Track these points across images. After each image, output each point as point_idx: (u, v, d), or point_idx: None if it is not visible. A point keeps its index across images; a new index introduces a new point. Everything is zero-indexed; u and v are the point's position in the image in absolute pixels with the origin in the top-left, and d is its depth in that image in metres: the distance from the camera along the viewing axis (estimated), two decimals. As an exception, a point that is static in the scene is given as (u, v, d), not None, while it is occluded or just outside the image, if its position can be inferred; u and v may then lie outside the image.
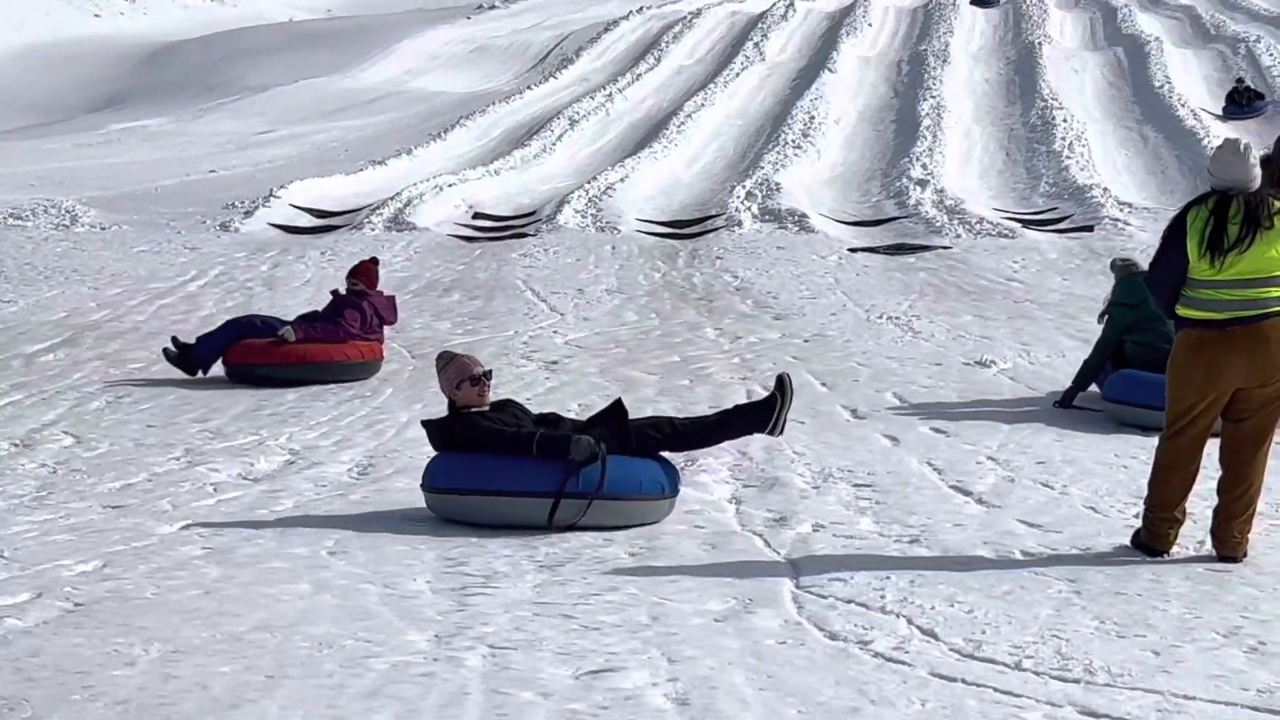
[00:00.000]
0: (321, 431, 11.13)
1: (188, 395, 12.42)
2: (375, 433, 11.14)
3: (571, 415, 9.91)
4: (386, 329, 13.87)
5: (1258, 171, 7.85)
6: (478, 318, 17.33)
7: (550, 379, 13.46)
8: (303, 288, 19.87)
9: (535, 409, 11.92)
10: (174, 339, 13.27)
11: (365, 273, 12.86)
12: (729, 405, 8.96)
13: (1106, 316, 12.23)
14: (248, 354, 12.43)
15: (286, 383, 12.51)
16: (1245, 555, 7.95)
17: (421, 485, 8.68)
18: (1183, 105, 37.73)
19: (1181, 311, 7.92)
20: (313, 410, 11.99)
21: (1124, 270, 11.95)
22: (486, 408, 8.78)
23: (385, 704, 5.88)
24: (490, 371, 9.02)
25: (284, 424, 11.44)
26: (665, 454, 8.76)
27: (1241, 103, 37.71)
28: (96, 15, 62.65)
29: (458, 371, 8.70)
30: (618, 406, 8.78)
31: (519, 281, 20.63)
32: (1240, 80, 37.99)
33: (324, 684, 6.12)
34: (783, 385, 8.59)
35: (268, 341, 12.69)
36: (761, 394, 12.28)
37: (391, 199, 30.17)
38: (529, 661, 6.37)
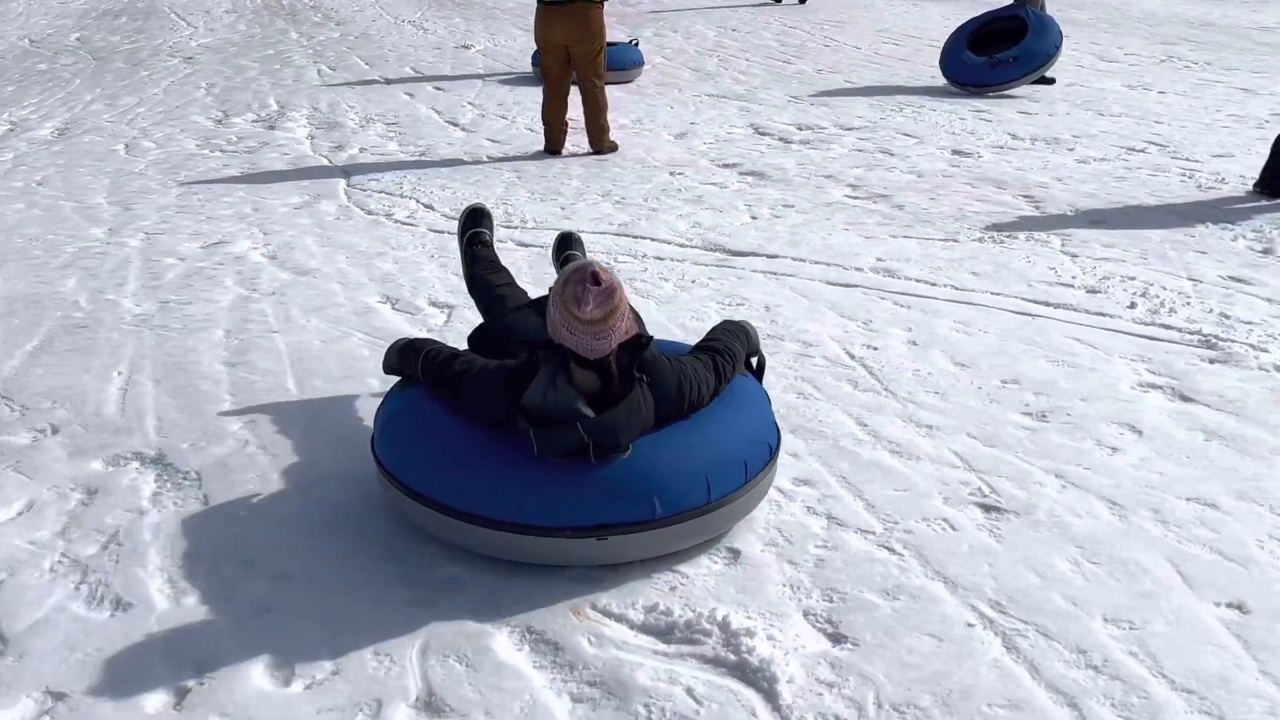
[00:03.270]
0: (32, 109, 10.25)
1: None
2: (68, 108, 10.32)
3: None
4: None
5: None
6: (139, 32, 15.99)
7: (187, 68, 12.59)
8: (15, 19, 17.87)
9: (180, 87, 11.46)
10: None
11: None
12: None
13: None
14: None
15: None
16: (612, 149, 8.23)
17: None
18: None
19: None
20: (26, 96, 10.98)
21: None
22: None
23: (75, 272, 5.69)
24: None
25: (6, 106, 10.46)
26: None
27: None
28: None
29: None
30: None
31: (165, 8, 19.04)
32: None
33: (34, 263, 5.86)
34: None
35: None
36: (330, 72, 11.91)
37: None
38: (171, 241, 6.25)
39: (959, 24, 11.49)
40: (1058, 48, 10.22)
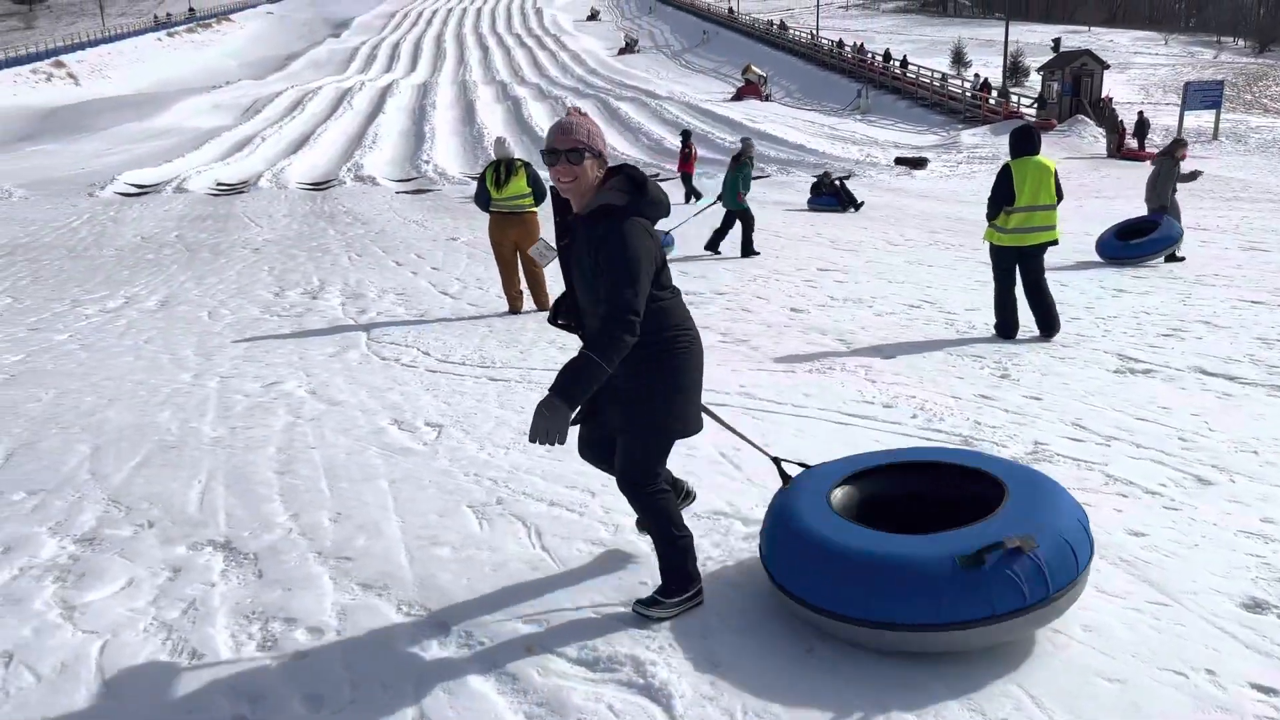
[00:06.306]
0: (141, 287, 10.01)
1: (78, 276, 10.94)
2: (168, 286, 10.05)
3: None
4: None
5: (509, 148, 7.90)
6: (220, 230, 15.89)
7: (255, 256, 12.51)
8: (131, 222, 17.69)
9: (249, 270, 11.31)
10: None
11: None
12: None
13: None
14: None
15: None
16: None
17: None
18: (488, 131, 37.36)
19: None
20: (137, 278, 10.73)
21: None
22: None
23: (168, 406, 5.56)
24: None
25: (123, 286, 10.21)
26: None
27: (824, 193, 17.58)
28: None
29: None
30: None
31: (240, 213, 18.95)
32: (826, 174, 17.97)
33: (138, 400, 5.73)
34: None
35: None
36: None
37: (173, 179, 27.12)
38: (239, 382, 6.16)
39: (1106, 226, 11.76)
40: (1175, 240, 10.25)
